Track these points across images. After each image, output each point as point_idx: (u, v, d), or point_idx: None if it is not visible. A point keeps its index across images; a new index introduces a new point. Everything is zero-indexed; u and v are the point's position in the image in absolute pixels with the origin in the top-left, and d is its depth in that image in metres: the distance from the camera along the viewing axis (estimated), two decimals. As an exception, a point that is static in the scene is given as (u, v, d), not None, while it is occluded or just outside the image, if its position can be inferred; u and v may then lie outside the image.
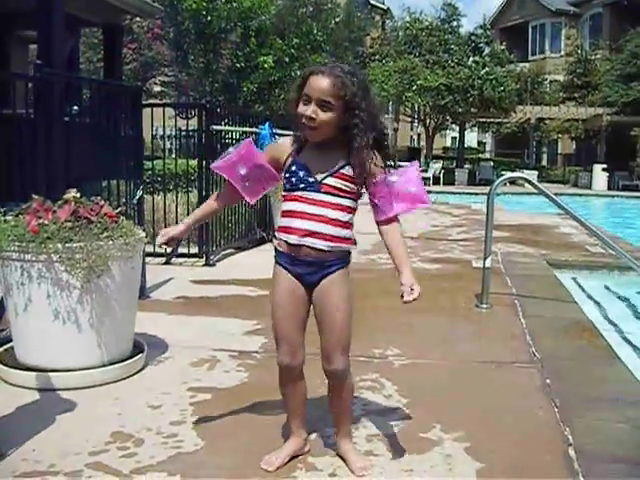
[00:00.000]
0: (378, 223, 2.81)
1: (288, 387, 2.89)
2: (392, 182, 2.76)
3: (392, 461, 2.92)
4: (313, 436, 3.12)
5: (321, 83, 2.61)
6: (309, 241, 2.69)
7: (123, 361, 3.90)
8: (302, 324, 2.82)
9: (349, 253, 2.82)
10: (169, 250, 2.95)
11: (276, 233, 2.81)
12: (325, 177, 2.69)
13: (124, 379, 3.85)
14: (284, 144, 2.83)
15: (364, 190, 2.78)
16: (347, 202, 2.72)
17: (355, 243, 2.79)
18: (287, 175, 2.76)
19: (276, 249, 2.81)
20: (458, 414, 3.50)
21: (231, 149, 2.88)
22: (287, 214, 2.75)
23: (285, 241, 2.74)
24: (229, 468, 2.84)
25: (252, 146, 2.88)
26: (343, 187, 2.70)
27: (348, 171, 2.70)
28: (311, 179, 2.70)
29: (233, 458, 2.92)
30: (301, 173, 2.72)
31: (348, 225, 2.74)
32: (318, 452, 2.97)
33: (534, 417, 3.49)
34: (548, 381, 3.98)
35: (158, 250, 7.77)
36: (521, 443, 3.17)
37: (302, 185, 2.71)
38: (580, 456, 2.99)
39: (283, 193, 2.79)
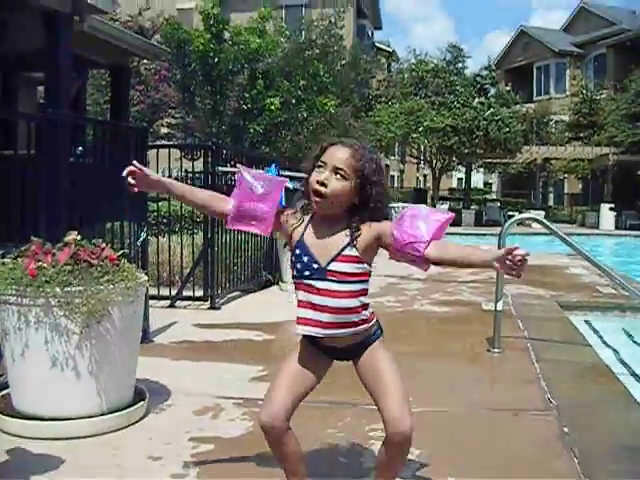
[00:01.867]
0: (426, 258, 2.55)
1: (274, 448, 2.70)
2: (404, 220, 2.57)
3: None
4: (322, 490, 2.97)
5: (339, 151, 2.54)
6: (315, 331, 2.59)
7: (123, 409, 3.75)
8: (299, 394, 2.66)
9: (376, 327, 2.70)
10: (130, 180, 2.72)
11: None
12: (330, 262, 2.55)
13: (124, 428, 3.69)
14: (291, 215, 2.69)
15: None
16: (356, 287, 2.58)
17: (380, 327, 2.70)
18: (292, 259, 2.63)
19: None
20: (473, 465, 3.34)
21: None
22: (298, 302, 2.64)
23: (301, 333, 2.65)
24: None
25: (283, 185, 2.75)
26: (351, 270, 2.56)
27: (353, 251, 2.55)
28: (316, 265, 2.56)
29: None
30: (305, 258, 2.58)
31: (359, 309, 2.60)
32: (327, 508, 2.82)
33: (553, 468, 3.32)
34: (566, 429, 3.82)
35: (163, 293, 7.69)
36: (541, 497, 3.02)
37: (307, 272, 2.58)
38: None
39: (293, 279, 2.67)
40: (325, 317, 2.56)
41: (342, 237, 2.56)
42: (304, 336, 2.68)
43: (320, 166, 2.55)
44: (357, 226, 2.55)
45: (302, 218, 2.66)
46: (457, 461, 3.38)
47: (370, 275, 2.64)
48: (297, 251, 2.60)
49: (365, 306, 2.63)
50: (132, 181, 2.73)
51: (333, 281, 2.54)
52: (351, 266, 2.55)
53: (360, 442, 3.58)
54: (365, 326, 2.63)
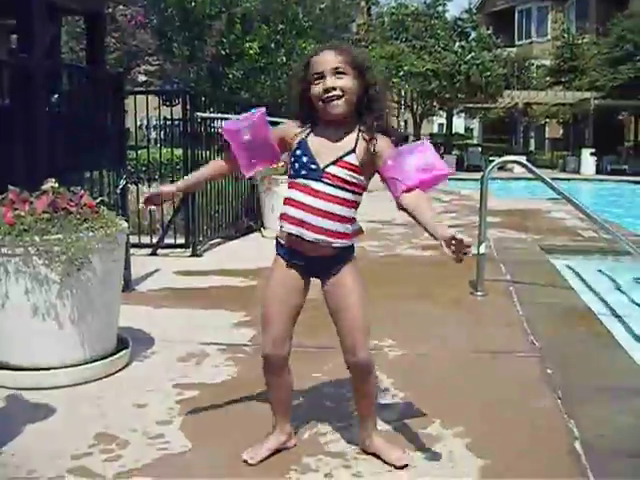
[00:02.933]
0: (398, 199, 2.54)
1: (271, 377, 2.77)
2: (404, 155, 2.57)
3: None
4: (306, 435, 2.98)
5: (328, 55, 2.56)
6: (299, 231, 2.57)
7: (107, 357, 3.73)
8: (293, 315, 2.69)
9: (352, 247, 2.70)
10: (151, 208, 2.78)
11: (279, 220, 2.68)
12: (328, 165, 2.56)
13: (108, 376, 3.68)
14: (291, 126, 2.69)
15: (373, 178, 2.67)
16: (349, 195, 2.58)
17: (357, 233, 2.68)
18: (292, 159, 2.63)
19: (277, 238, 2.71)
20: (458, 408, 3.35)
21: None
22: (286, 201, 2.63)
23: (284, 231, 2.63)
24: (219, 470, 2.68)
25: (264, 116, 2.72)
26: (347, 178, 2.56)
27: (353, 159, 2.56)
28: (314, 166, 2.57)
29: (223, 459, 2.76)
30: (305, 159, 2.59)
31: (347, 220, 2.60)
32: (313, 451, 2.82)
33: (536, 409, 3.35)
34: (549, 371, 3.84)
35: (144, 241, 7.64)
36: (524, 438, 3.03)
37: (303, 172, 2.58)
38: (587, 451, 2.85)
39: (286, 179, 2.68)
40: (315, 220, 2.55)
41: (345, 143, 2.59)
42: (281, 252, 2.69)
43: (318, 78, 2.54)
44: (365, 134, 2.58)
45: (305, 129, 2.65)
46: (442, 403, 3.39)
47: (365, 190, 2.65)
48: (297, 151, 2.61)
49: (353, 220, 2.65)
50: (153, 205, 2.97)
51: (328, 184, 2.55)
52: (348, 173, 2.56)
53: (344, 386, 3.56)
54: (347, 241, 2.64)
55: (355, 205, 2.63)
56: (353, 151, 2.57)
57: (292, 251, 2.65)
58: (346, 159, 2.56)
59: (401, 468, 2.68)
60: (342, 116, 2.58)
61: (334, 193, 2.55)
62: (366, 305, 2.67)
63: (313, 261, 2.64)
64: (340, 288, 2.65)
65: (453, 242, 2.31)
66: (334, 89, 2.52)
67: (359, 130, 2.59)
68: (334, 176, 2.55)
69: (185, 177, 3.03)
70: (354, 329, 2.63)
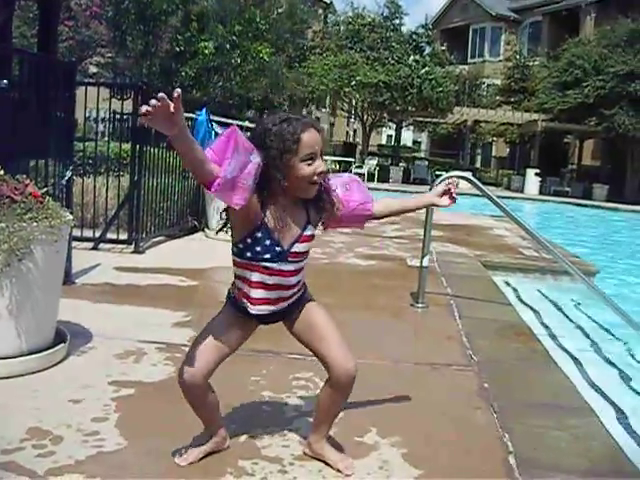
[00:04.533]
0: (373, 215, 2.81)
1: (190, 401, 2.68)
2: (344, 185, 2.74)
3: (327, 466, 2.77)
4: (243, 438, 2.96)
5: (318, 136, 2.50)
6: (269, 309, 2.61)
7: (43, 351, 3.66)
8: (225, 356, 2.64)
9: (304, 285, 2.76)
10: (143, 110, 2.07)
11: (233, 293, 2.65)
12: (292, 244, 2.55)
13: (44, 370, 3.61)
14: (253, 199, 2.44)
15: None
16: (302, 264, 2.64)
17: (305, 285, 2.76)
18: (249, 240, 2.50)
19: (230, 295, 2.68)
20: (395, 418, 3.38)
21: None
22: (247, 282, 2.57)
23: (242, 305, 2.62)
24: (153, 470, 2.65)
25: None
26: (307, 249, 2.62)
27: (311, 231, 2.60)
28: (278, 249, 2.52)
29: (158, 459, 2.73)
30: (267, 242, 2.50)
31: (300, 282, 2.68)
32: (249, 455, 2.81)
33: (472, 422, 3.39)
34: (486, 385, 3.89)
35: (86, 234, 7.53)
36: (460, 449, 3.06)
37: (267, 255, 2.52)
38: (520, 464, 2.90)
39: (237, 259, 2.57)
40: (285, 293, 2.60)
41: (301, 216, 2.57)
42: (235, 307, 2.65)
43: (309, 159, 2.46)
44: (321, 204, 2.61)
45: (258, 197, 2.47)
46: (379, 412, 3.41)
47: None
48: (258, 234, 2.49)
49: (301, 278, 2.69)
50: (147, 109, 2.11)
51: (290, 262, 2.56)
52: (307, 245, 2.60)
53: (283, 391, 3.57)
54: (298, 295, 2.69)
55: (304, 266, 2.69)
56: (308, 222, 2.59)
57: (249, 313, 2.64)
58: (306, 233, 2.58)
59: (348, 476, 2.70)
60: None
61: (297, 267, 2.60)
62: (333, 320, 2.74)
63: (272, 319, 2.68)
64: (309, 320, 2.69)
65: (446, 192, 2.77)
66: (326, 173, 2.54)
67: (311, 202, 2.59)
68: (298, 253, 2.57)
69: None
70: (339, 344, 2.65)
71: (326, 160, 2.60)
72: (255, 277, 2.56)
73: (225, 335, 2.62)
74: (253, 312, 2.60)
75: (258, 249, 2.51)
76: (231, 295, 2.67)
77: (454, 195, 2.89)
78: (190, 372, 2.56)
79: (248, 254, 2.53)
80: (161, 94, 2.07)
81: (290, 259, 2.55)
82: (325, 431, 2.82)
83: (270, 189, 2.46)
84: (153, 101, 2.04)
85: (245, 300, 2.60)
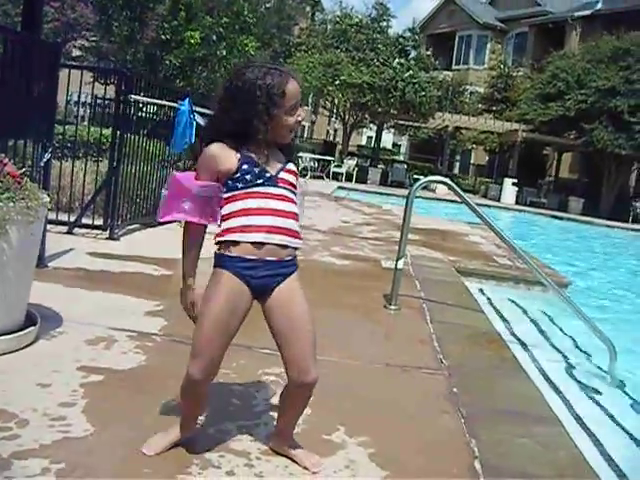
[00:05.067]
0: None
1: (194, 398, 2.68)
2: None
3: (293, 462, 2.77)
4: (211, 430, 2.95)
5: (298, 86, 2.65)
6: (266, 237, 2.56)
7: (13, 333, 3.62)
8: (230, 340, 2.62)
9: (295, 256, 2.74)
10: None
11: (225, 236, 2.58)
12: (279, 171, 2.65)
13: (13, 352, 3.57)
14: (221, 151, 2.60)
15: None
16: (294, 196, 2.71)
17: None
18: (238, 175, 2.58)
19: (222, 254, 2.59)
20: (363, 417, 3.38)
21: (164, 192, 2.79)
22: (242, 212, 2.57)
23: (246, 241, 2.55)
24: (118, 458, 2.64)
25: (179, 179, 2.64)
26: (293, 181, 2.71)
27: (292, 166, 2.73)
28: (267, 174, 2.62)
29: (124, 448, 2.71)
30: (256, 170, 2.60)
31: (297, 218, 2.71)
32: (216, 449, 2.80)
33: (440, 426, 3.41)
34: (455, 389, 3.91)
35: (61, 218, 7.46)
36: (427, 452, 3.08)
37: (259, 180, 2.60)
38: (485, 470, 2.92)
39: (228, 194, 2.60)
40: (283, 222, 2.60)
41: (280, 156, 2.70)
42: (233, 266, 2.56)
43: (294, 109, 2.63)
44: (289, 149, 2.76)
45: (233, 144, 2.62)
46: (347, 412, 3.41)
47: None
48: (244, 166, 2.59)
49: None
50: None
51: (284, 188, 2.64)
52: (293, 178, 2.70)
53: (253, 385, 3.57)
54: (299, 241, 2.69)
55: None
56: (290, 160, 2.74)
57: (247, 266, 2.57)
58: (288, 167, 2.70)
59: (315, 473, 2.70)
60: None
61: (289, 195, 2.66)
62: (313, 323, 2.70)
63: (273, 268, 2.60)
64: (291, 307, 2.63)
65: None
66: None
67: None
68: (285, 181, 2.66)
69: (185, 268, 2.73)
70: (307, 353, 2.62)
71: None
72: (255, 203, 2.58)
73: (228, 321, 2.57)
74: (255, 239, 2.54)
75: (248, 177, 2.60)
76: (225, 256, 2.58)
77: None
78: (202, 368, 2.56)
79: (240, 185, 2.60)
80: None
81: (280, 184, 2.64)
82: (290, 429, 2.82)
83: (250, 137, 2.61)
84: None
85: (244, 233, 2.55)
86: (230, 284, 2.57)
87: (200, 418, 2.93)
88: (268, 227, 2.56)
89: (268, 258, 2.57)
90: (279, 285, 2.63)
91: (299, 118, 2.66)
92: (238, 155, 2.60)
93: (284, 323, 2.62)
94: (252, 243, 2.55)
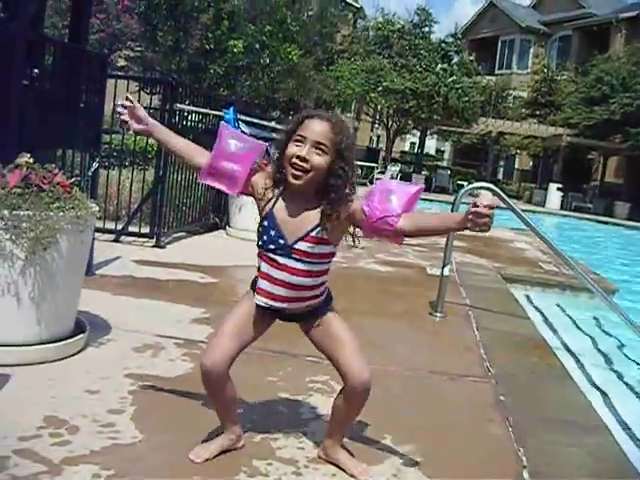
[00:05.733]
0: (397, 231, 2.52)
1: (210, 390, 2.70)
2: (374, 196, 2.56)
3: (341, 470, 2.76)
4: (258, 438, 2.96)
5: (320, 126, 2.49)
6: (267, 303, 2.61)
7: (63, 340, 3.68)
8: (245, 344, 2.66)
9: (329, 299, 2.75)
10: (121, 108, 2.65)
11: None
12: (296, 241, 2.54)
13: (62, 359, 3.62)
14: (266, 178, 2.61)
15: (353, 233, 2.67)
16: (318, 267, 2.59)
17: (330, 297, 2.73)
18: (260, 228, 2.60)
19: (253, 289, 2.69)
20: (410, 426, 3.36)
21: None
22: (259, 273, 2.64)
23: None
24: (167, 464, 2.65)
25: (259, 153, 2.68)
26: (316, 252, 2.56)
27: (320, 233, 2.54)
28: (281, 241, 2.55)
29: (172, 455, 2.73)
30: (272, 232, 2.55)
31: (317, 287, 2.64)
32: (264, 455, 2.80)
33: (488, 435, 3.37)
34: (502, 398, 3.87)
35: (108, 226, 7.56)
36: (474, 461, 3.05)
37: (272, 247, 2.56)
38: (534, 478, 2.88)
39: (257, 247, 2.65)
40: (279, 291, 2.59)
41: (313, 216, 2.54)
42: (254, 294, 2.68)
43: (299, 140, 2.49)
44: (332, 207, 2.52)
45: (274, 188, 2.60)
46: (394, 420, 3.40)
47: (334, 255, 2.65)
48: (265, 222, 2.57)
49: (322, 285, 2.67)
50: (125, 115, 2.74)
51: (296, 259, 2.54)
52: (318, 247, 2.55)
53: (300, 393, 3.57)
54: (317, 301, 2.67)
55: (325, 273, 2.65)
56: (319, 225, 2.53)
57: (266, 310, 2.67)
58: (313, 234, 2.54)
59: None
60: (303, 189, 2.53)
61: (303, 268, 2.56)
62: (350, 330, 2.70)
63: (289, 313, 2.68)
64: (328, 329, 2.68)
65: (477, 210, 2.38)
66: (305, 160, 2.47)
67: (324, 204, 2.53)
68: (303, 252, 2.54)
69: (168, 130, 2.88)
70: (356, 356, 2.62)
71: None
72: (263, 267, 2.61)
73: (245, 323, 2.65)
74: (255, 301, 2.63)
75: (265, 238, 2.57)
76: (254, 292, 2.68)
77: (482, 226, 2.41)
78: (211, 358, 2.58)
79: (259, 242, 2.61)
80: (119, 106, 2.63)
81: (295, 256, 2.54)
82: (340, 437, 2.82)
83: (281, 179, 2.56)
84: (120, 109, 2.65)
85: (256, 293, 2.64)
86: (252, 300, 2.67)
87: (248, 425, 2.94)
88: (268, 293, 2.60)
89: (272, 306, 2.64)
90: (308, 321, 2.70)
91: (297, 152, 2.47)
92: (268, 192, 2.59)
93: (325, 339, 2.68)
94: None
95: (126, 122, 2.73)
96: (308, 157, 2.47)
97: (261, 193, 2.61)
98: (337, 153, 2.49)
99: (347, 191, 2.53)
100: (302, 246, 2.53)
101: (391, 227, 2.50)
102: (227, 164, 2.63)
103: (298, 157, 2.47)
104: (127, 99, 2.72)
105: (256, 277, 2.68)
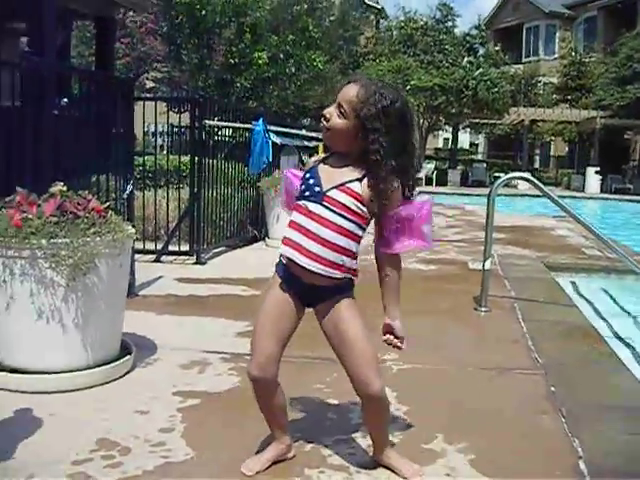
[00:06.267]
0: (379, 252, 2.65)
1: (260, 399, 2.70)
2: (406, 218, 2.58)
3: (394, 474, 2.75)
4: (308, 447, 2.95)
5: (348, 89, 2.51)
6: (292, 254, 2.55)
7: (110, 363, 3.72)
8: (282, 338, 2.63)
9: (349, 283, 2.65)
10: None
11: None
12: (330, 189, 2.51)
13: (110, 382, 3.66)
14: (310, 160, 2.77)
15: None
16: (347, 224, 2.52)
17: (350, 271, 2.61)
18: (302, 185, 2.62)
19: (280, 255, 2.66)
20: (461, 423, 3.34)
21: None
22: (289, 223, 2.62)
23: (282, 253, 2.62)
24: (220, 480, 2.67)
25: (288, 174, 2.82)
26: (348, 204, 2.50)
27: (357, 187, 2.50)
28: (317, 188, 2.53)
29: (224, 470, 2.74)
30: (311, 181, 2.57)
31: (343, 251, 2.53)
32: (315, 464, 2.80)
33: (540, 427, 3.33)
34: (553, 389, 3.82)
35: (148, 247, 7.63)
36: (528, 455, 3.01)
37: (307, 193, 2.56)
38: (591, 470, 2.82)
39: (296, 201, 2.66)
40: (308, 244, 2.52)
41: (352, 171, 2.54)
42: (279, 272, 2.66)
43: (334, 102, 2.55)
44: (371, 175, 2.49)
45: (322, 157, 2.69)
46: (445, 418, 3.38)
47: (367, 223, 2.59)
48: (307, 175, 2.62)
49: (352, 254, 2.58)
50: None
51: (327, 208, 2.50)
52: (350, 200, 2.50)
53: (347, 398, 3.54)
54: (340, 273, 2.56)
55: (355, 238, 2.56)
56: (359, 180, 2.51)
57: (289, 274, 2.61)
58: (350, 185, 2.51)
59: None
60: (332, 147, 2.61)
61: (332, 219, 2.50)
62: (368, 335, 2.62)
63: (307, 289, 2.60)
64: (338, 323, 2.60)
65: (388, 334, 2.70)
66: (325, 119, 2.53)
67: (367, 169, 2.52)
68: (335, 200, 2.50)
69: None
70: (362, 365, 2.57)
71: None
72: (294, 216, 2.60)
73: (278, 317, 2.63)
74: (280, 252, 2.61)
75: (303, 187, 2.60)
76: (280, 257, 2.67)
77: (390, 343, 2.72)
78: (257, 365, 2.60)
79: (297, 194, 2.64)
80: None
81: (326, 203, 2.50)
82: (384, 440, 2.80)
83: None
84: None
85: (282, 245, 2.62)
86: (277, 288, 2.65)
87: (297, 434, 2.94)
88: (295, 244, 2.55)
89: (304, 280, 2.59)
90: (324, 302, 2.63)
91: (324, 111, 2.56)
92: (314, 164, 2.66)
93: (333, 342, 2.65)
94: (283, 256, 2.61)
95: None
96: (328, 116, 2.53)
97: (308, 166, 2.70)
98: (360, 120, 2.47)
99: (391, 166, 2.48)
100: (334, 194, 2.50)
101: (381, 247, 2.65)
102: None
103: (321, 115, 2.56)
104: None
105: (281, 255, 2.64)
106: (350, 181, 2.51)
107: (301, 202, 2.57)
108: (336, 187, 2.51)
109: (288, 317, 2.64)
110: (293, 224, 2.57)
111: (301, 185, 2.62)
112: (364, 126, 2.46)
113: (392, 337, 2.69)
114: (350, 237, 2.53)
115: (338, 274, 2.55)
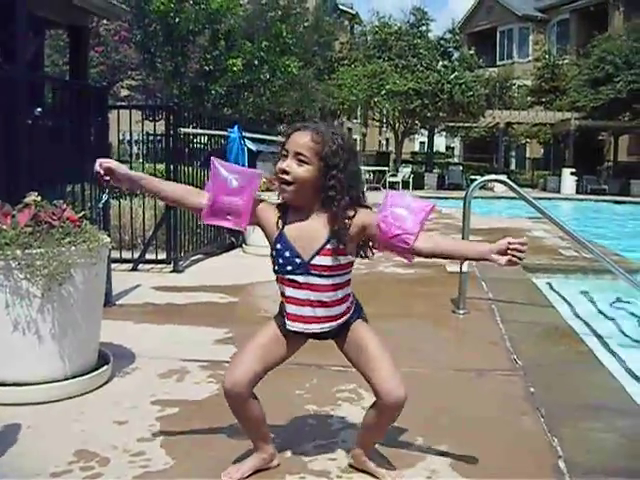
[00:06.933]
0: (413, 250, 2.49)
1: (235, 412, 2.67)
2: (388, 210, 2.49)
3: (373, 477, 2.74)
4: (288, 453, 2.94)
5: (300, 137, 2.45)
6: (302, 327, 2.58)
7: (87, 373, 3.69)
8: (270, 366, 2.63)
9: (358, 309, 2.71)
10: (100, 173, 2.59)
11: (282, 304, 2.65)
12: (313, 257, 2.49)
13: (88, 393, 3.63)
14: (271, 209, 2.59)
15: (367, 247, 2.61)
16: (343, 277, 2.56)
17: (360, 307, 2.69)
18: (273, 253, 2.55)
19: (280, 314, 2.67)
20: (441, 426, 3.34)
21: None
22: (284, 298, 2.61)
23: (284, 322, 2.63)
24: (200, 488, 2.65)
25: (257, 182, 2.61)
26: (335, 263, 2.50)
27: (334, 245, 2.49)
28: (298, 260, 2.50)
29: (204, 477, 2.72)
30: (287, 253, 2.51)
31: (344, 300, 2.60)
32: (295, 470, 2.79)
33: (520, 428, 3.34)
34: (532, 389, 3.84)
35: (125, 256, 7.59)
36: (508, 456, 3.02)
37: (289, 268, 2.52)
38: (571, 469, 2.84)
39: (274, 273, 2.60)
40: (309, 312, 2.55)
41: (324, 230, 2.49)
42: (282, 326, 2.65)
43: (284, 154, 2.48)
44: (336, 219, 2.47)
45: (279, 210, 2.58)
46: (425, 421, 3.37)
47: (353, 264, 2.60)
48: (278, 246, 2.53)
49: (349, 296, 2.63)
50: (105, 177, 2.64)
51: (317, 275, 2.50)
52: (334, 258, 2.50)
53: (328, 404, 3.56)
54: (349, 315, 2.64)
55: (348, 282, 2.60)
56: (332, 237, 2.48)
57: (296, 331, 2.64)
58: (328, 247, 2.49)
59: None
60: (300, 203, 2.52)
61: (326, 282, 2.51)
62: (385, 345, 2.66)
63: (320, 336, 2.65)
64: (356, 338, 2.64)
65: (510, 247, 2.45)
66: (285, 172, 2.46)
67: (330, 215, 2.48)
68: (322, 266, 2.49)
69: (153, 178, 2.75)
70: (389, 370, 2.58)
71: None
72: (287, 291, 2.57)
73: (271, 346, 2.62)
74: (288, 327, 2.60)
75: (280, 261, 2.53)
76: (281, 316, 2.66)
77: (514, 259, 2.48)
78: (232, 380, 2.55)
79: (275, 267, 2.56)
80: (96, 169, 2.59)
81: (315, 272, 2.49)
82: (371, 446, 2.80)
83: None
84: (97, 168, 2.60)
85: (286, 320, 2.61)
86: (280, 325, 2.66)
87: (277, 441, 2.93)
88: (299, 317, 2.57)
89: (306, 329, 2.61)
90: (338, 337, 2.67)
91: (281, 165, 2.46)
92: (278, 225, 2.55)
93: (358, 355, 2.63)
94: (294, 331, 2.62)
95: (107, 180, 2.64)
96: (288, 169, 2.45)
97: (267, 219, 2.58)
98: (323, 161, 2.43)
99: (348, 200, 2.46)
100: (319, 261, 2.48)
101: (407, 245, 2.47)
102: (228, 198, 2.55)
103: (279, 170, 2.47)
104: (100, 165, 2.62)
105: (282, 303, 2.64)
106: (327, 242, 2.48)
107: (288, 277, 2.53)
108: (318, 254, 2.49)
109: (282, 350, 2.65)
110: (292, 300, 2.56)
111: (275, 256, 2.54)
112: (327, 165, 2.44)
113: (515, 243, 2.46)
114: (347, 284, 2.60)
115: (347, 316, 2.63)
